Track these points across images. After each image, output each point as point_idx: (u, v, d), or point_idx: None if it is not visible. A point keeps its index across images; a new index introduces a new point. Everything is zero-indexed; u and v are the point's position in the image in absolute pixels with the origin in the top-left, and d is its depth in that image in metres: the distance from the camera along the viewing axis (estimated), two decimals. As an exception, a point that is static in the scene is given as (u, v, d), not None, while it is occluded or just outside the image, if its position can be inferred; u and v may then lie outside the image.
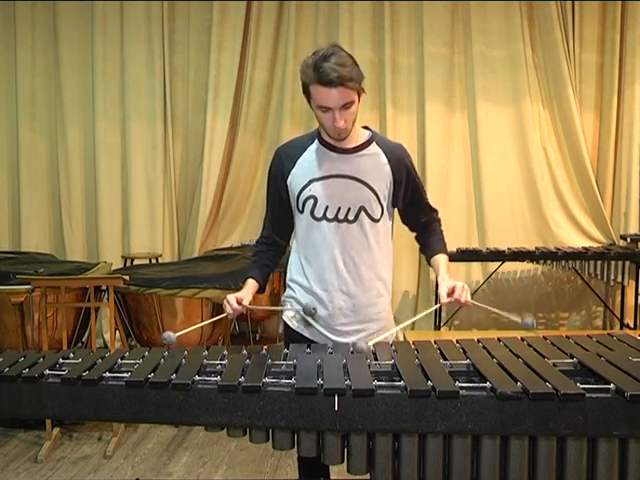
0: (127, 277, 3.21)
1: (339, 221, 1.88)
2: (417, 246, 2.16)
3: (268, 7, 4.74)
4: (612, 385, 1.33)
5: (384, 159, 1.90)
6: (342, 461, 1.41)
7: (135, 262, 4.57)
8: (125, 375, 1.48)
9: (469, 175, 4.76)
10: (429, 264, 2.07)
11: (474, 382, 1.39)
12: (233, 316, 1.89)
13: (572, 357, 1.55)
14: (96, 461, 3.04)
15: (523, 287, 4.78)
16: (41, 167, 4.95)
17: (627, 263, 4.31)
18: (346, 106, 1.76)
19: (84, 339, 3.76)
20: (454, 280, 1.86)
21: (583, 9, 4.61)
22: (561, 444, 1.33)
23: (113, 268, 3.91)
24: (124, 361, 1.59)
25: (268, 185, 2.00)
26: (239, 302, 1.86)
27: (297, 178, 1.90)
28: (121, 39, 4.79)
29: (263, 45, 4.76)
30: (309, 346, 1.73)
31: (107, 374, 1.49)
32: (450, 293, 1.82)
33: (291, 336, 1.99)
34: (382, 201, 1.90)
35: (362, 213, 1.87)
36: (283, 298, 2.05)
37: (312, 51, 1.79)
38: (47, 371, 1.51)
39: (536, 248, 4.35)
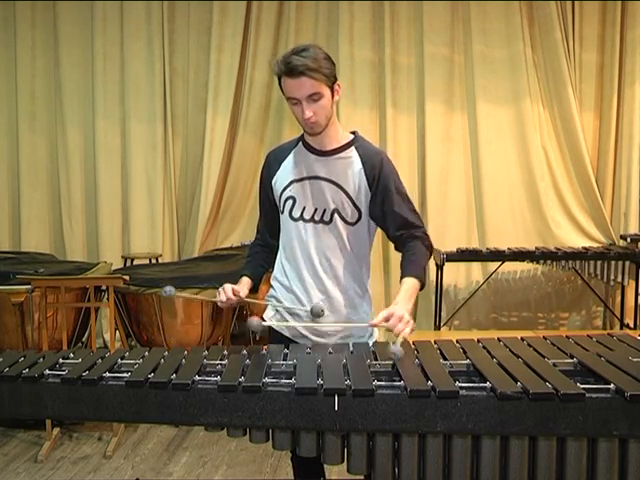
0: (127, 277, 3.21)
1: (315, 222, 1.89)
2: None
3: (268, 7, 4.74)
4: (612, 385, 1.33)
5: (359, 164, 1.89)
6: (342, 461, 1.41)
7: (135, 262, 4.57)
8: (125, 375, 1.48)
9: (469, 175, 4.76)
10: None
11: (474, 382, 1.39)
12: (224, 305, 1.87)
13: (572, 357, 1.55)
14: (96, 461, 3.04)
15: (523, 287, 4.78)
16: (41, 167, 4.95)
17: (627, 263, 4.31)
18: (313, 97, 1.76)
19: (84, 339, 3.76)
20: (406, 307, 1.67)
21: (583, 9, 4.60)
22: (561, 444, 1.33)
23: (113, 268, 3.91)
24: (124, 361, 1.59)
25: (260, 188, 2.04)
26: (235, 293, 1.85)
27: (280, 179, 1.94)
28: (121, 39, 4.78)
29: (263, 45, 4.76)
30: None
31: (107, 374, 1.49)
32: (388, 318, 1.62)
33: (272, 335, 2.00)
34: (358, 205, 1.88)
35: (335, 215, 1.88)
36: (266, 298, 2.06)
37: None
38: (47, 371, 1.51)
39: (536, 248, 4.35)
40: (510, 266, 4.63)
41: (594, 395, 1.31)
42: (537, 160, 4.63)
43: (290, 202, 1.91)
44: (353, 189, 1.88)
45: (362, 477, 1.52)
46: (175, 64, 4.85)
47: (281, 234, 1.99)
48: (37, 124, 4.92)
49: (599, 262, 4.30)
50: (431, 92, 4.66)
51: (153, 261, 4.60)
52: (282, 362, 1.55)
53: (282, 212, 1.94)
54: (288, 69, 1.74)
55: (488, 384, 1.35)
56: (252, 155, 4.86)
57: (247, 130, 4.81)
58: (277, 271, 2.01)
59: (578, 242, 4.58)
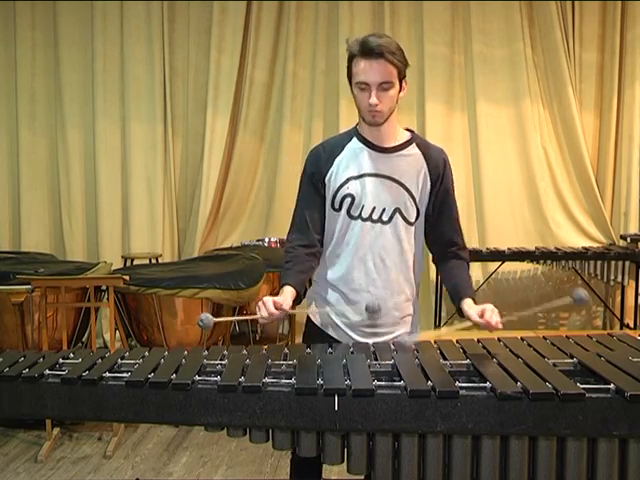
0: (127, 277, 3.20)
1: (373, 221, 1.84)
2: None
3: (268, 7, 4.74)
4: (612, 385, 1.33)
5: (422, 161, 1.85)
6: (342, 461, 1.41)
7: (135, 262, 4.57)
8: (125, 375, 1.47)
9: (469, 175, 4.76)
10: (454, 302, 1.93)
11: (474, 382, 1.39)
12: (266, 321, 1.70)
13: (572, 357, 1.55)
14: (96, 461, 3.04)
15: (523, 287, 4.77)
16: (41, 167, 4.95)
17: (627, 263, 4.31)
18: (384, 85, 1.72)
19: (84, 339, 3.76)
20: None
21: (583, 9, 4.61)
22: (561, 444, 1.33)
23: (113, 268, 3.90)
24: (124, 361, 1.59)
25: (303, 185, 1.93)
26: (278, 307, 1.69)
27: (335, 176, 1.86)
28: (121, 39, 4.79)
29: (263, 45, 4.76)
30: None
31: (107, 374, 1.48)
32: (480, 315, 1.75)
33: (313, 332, 1.94)
34: (418, 204, 1.85)
35: (397, 215, 1.83)
36: (309, 293, 1.98)
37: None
38: (47, 371, 1.51)
39: (536, 248, 4.35)
40: (510, 266, 4.63)
41: (594, 395, 1.31)
42: (537, 160, 4.64)
43: (349, 200, 1.84)
44: (416, 187, 1.84)
45: (362, 477, 1.52)
46: (175, 64, 4.86)
47: (330, 232, 1.90)
48: (37, 124, 4.92)
49: (599, 262, 4.30)
50: (431, 92, 4.66)
51: (153, 261, 4.60)
52: (282, 362, 1.55)
53: (338, 210, 1.86)
54: (366, 49, 1.69)
55: (488, 384, 1.35)
56: (252, 155, 4.86)
57: (247, 130, 4.82)
58: (321, 267, 1.93)
59: (578, 242, 4.58)
